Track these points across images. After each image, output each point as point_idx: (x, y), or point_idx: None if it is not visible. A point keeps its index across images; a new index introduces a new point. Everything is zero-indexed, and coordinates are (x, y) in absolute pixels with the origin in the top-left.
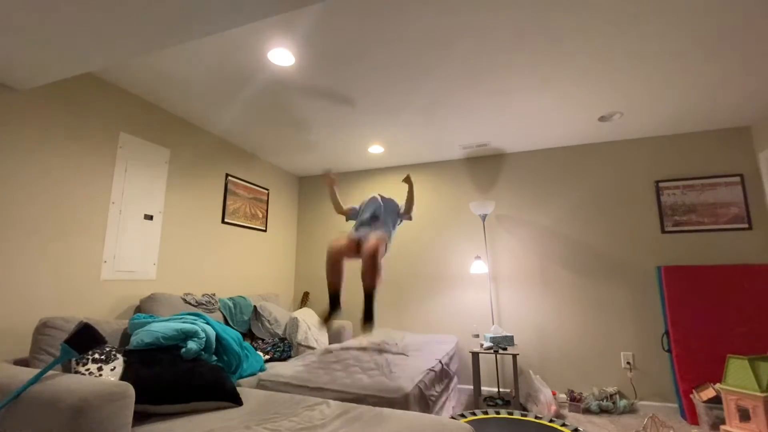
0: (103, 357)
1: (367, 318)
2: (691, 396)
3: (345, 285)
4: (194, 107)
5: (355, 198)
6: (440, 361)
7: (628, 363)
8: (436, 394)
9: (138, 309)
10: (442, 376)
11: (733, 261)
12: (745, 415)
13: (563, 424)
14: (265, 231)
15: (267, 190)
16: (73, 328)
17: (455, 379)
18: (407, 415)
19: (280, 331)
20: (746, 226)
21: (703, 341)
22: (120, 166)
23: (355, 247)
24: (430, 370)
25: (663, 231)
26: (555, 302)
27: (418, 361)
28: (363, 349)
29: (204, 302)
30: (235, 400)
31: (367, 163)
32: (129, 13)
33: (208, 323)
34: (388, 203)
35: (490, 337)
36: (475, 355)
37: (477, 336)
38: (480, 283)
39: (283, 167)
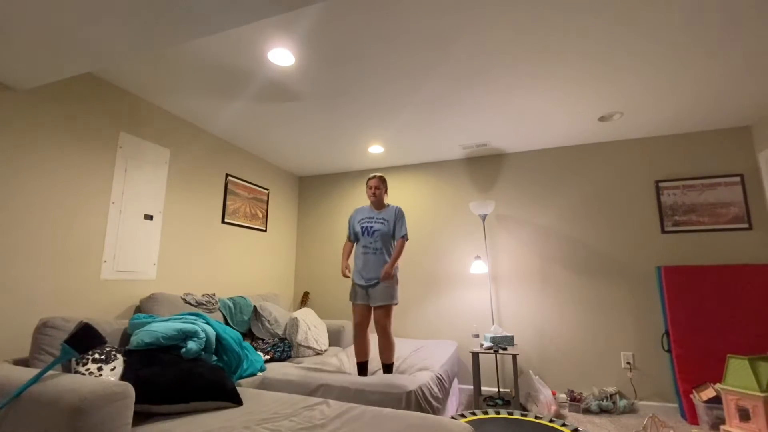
0: (103, 357)
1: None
2: (691, 396)
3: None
4: (194, 107)
5: (354, 198)
6: (442, 368)
7: (628, 363)
8: (437, 400)
9: (138, 309)
10: (444, 381)
11: (733, 261)
12: (745, 415)
13: (563, 424)
14: (265, 231)
15: (267, 190)
16: (73, 328)
17: (455, 381)
18: (407, 415)
19: (280, 331)
20: (746, 226)
21: (703, 341)
22: (120, 166)
23: (368, 304)
24: (433, 376)
25: (663, 231)
26: (555, 302)
27: (422, 366)
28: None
29: (204, 302)
30: (235, 400)
31: (367, 163)
32: (129, 13)
33: (208, 323)
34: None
35: (490, 337)
36: (475, 355)
37: (477, 336)
38: (480, 283)
39: (283, 167)
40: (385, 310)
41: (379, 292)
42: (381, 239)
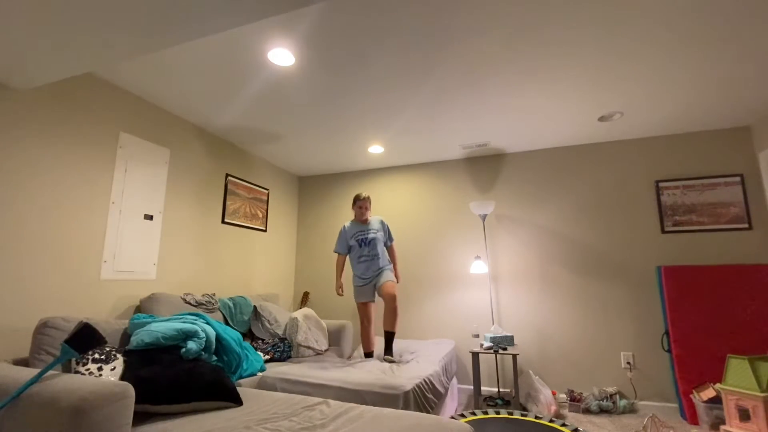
0: (103, 357)
1: (388, 353)
2: (691, 396)
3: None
4: (194, 107)
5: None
6: (440, 366)
7: (628, 363)
8: (435, 397)
9: (138, 309)
10: (442, 379)
11: (733, 261)
12: (745, 415)
13: (563, 424)
14: (265, 231)
15: (267, 190)
16: (73, 328)
17: (454, 381)
18: (407, 415)
19: (280, 331)
20: (746, 226)
21: (703, 341)
22: (120, 166)
23: (372, 301)
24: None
25: (663, 231)
26: (555, 302)
27: (419, 365)
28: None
29: (204, 302)
30: (235, 400)
31: (367, 163)
32: (128, 13)
33: (208, 323)
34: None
35: (490, 337)
36: (475, 355)
37: (477, 336)
38: (480, 283)
39: (283, 167)
40: (393, 283)
41: (383, 276)
42: (377, 246)
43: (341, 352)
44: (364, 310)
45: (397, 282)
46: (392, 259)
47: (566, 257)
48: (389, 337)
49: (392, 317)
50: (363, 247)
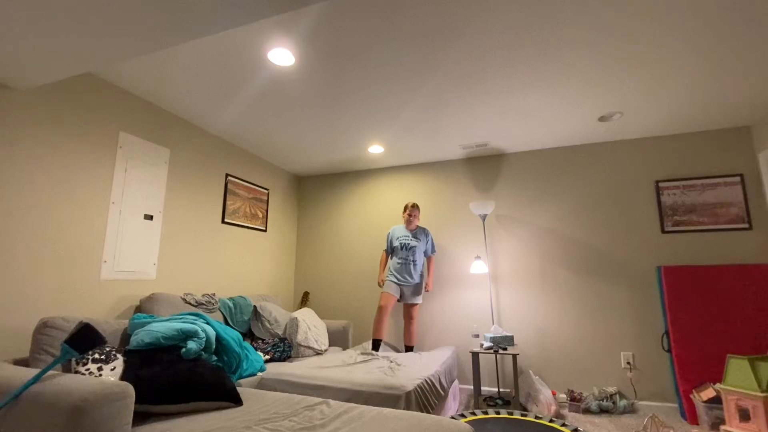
0: (103, 357)
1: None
2: (691, 396)
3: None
4: (194, 107)
5: (354, 198)
6: (440, 367)
7: (628, 363)
8: (436, 397)
9: (138, 309)
10: (443, 379)
11: (733, 261)
12: (745, 415)
13: (563, 424)
14: (265, 231)
15: (267, 190)
16: (73, 328)
17: (455, 383)
18: (407, 415)
19: (280, 331)
20: (746, 226)
21: (703, 341)
22: (120, 166)
23: (397, 298)
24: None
25: (663, 231)
26: (555, 302)
27: (420, 365)
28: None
29: (204, 302)
30: (235, 400)
31: (367, 163)
32: (128, 13)
33: (208, 323)
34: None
35: (490, 337)
36: (475, 355)
37: (477, 336)
38: (480, 283)
39: (283, 167)
40: (417, 307)
41: (412, 292)
42: (416, 253)
43: (341, 352)
44: (386, 299)
45: (428, 290)
46: (428, 269)
47: (566, 257)
48: (408, 350)
49: (412, 336)
50: (403, 251)
